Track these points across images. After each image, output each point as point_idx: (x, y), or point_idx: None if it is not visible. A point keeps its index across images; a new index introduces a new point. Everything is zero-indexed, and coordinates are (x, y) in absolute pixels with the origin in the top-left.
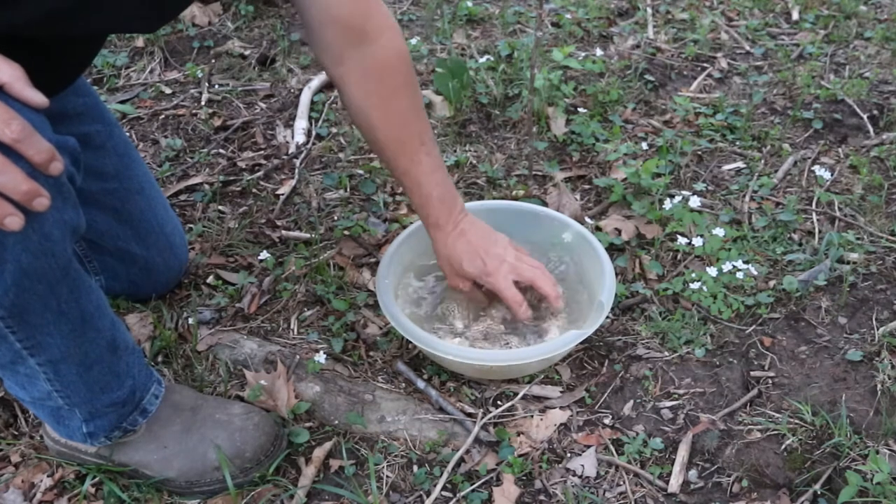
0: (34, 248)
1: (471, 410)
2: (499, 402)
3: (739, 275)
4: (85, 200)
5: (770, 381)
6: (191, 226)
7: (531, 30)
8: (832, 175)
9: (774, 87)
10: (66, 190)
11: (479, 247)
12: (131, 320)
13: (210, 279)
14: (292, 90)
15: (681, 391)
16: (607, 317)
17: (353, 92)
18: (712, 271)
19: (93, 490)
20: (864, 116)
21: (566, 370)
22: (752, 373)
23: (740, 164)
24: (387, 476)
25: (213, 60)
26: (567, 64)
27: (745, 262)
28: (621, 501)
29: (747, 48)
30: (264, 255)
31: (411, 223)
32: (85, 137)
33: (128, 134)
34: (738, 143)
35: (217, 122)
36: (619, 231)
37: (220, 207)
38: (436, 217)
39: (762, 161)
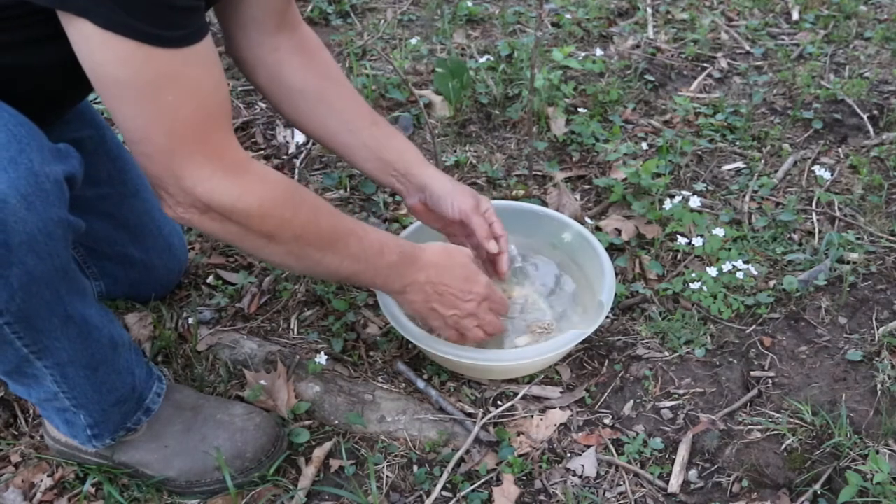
0: (39, 249)
1: (471, 410)
2: (499, 402)
3: (739, 275)
4: (80, 207)
5: (770, 381)
6: None
7: (531, 30)
8: (832, 175)
9: (774, 87)
10: (64, 190)
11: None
12: (131, 320)
13: (210, 279)
14: None
15: (681, 391)
16: (607, 317)
17: (295, 71)
18: (712, 271)
19: (93, 490)
20: (864, 116)
21: (566, 370)
22: (752, 373)
23: (740, 164)
24: (387, 476)
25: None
26: (567, 64)
27: (745, 262)
28: (621, 501)
29: (747, 48)
30: None
31: (411, 223)
32: (76, 143)
33: None
34: (738, 143)
35: None
36: (619, 231)
37: None
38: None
39: (762, 161)
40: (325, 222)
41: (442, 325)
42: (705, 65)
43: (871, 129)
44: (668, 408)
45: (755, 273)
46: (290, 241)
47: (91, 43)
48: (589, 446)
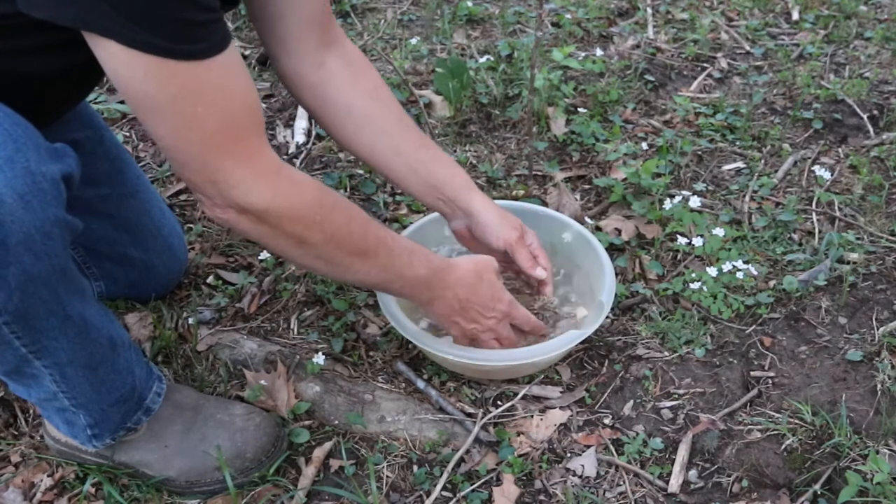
0: (37, 248)
1: (471, 410)
2: (499, 402)
3: (739, 275)
4: (79, 207)
5: (770, 381)
6: (190, 226)
7: (531, 30)
8: (832, 175)
9: (774, 87)
10: (61, 189)
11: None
12: (131, 320)
13: (210, 279)
14: None
15: (681, 391)
16: (607, 317)
17: (340, 89)
18: (712, 271)
19: (93, 490)
20: (864, 116)
21: (566, 370)
22: (752, 373)
23: (740, 164)
24: (387, 476)
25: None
26: (567, 64)
27: (745, 262)
28: (621, 501)
29: (747, 48)
30: (264, 254)
31: (411, 223)
32: (74, 143)
33: (128, 134)
34: (738, 143)
35: None
36: (619, 231)
37: None
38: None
39: (762, 161)
40: (357, 228)
41: (459, 335)
42: (705, 65)
43: (871, 129)
44: (668, 408)
45: (755, 273)
46: (321, 244)
47: (117, 61)
48: (589, 446)
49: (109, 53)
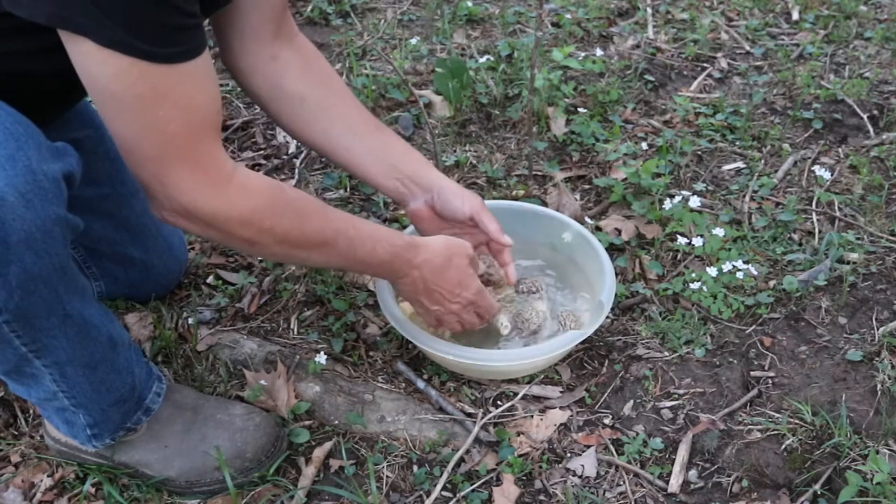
0: (37, 247)
1: (471, 410)
2: (499, 402)
3: (739, 275)
4: (80, 207)
5: (770, 381)
6: None
7: (531, 30)
8: (832, 175)
9: (774, 87)
10: (62, 188)
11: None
12: (131, 320)
13: (210, 279)
14: None
15: (681, 391)
16: (607, 317)
17: (293, 80)
18: (712, 271)
19: (93, 490)
20: (864, 116)
21: (566, 370)
22: (752, 373)
23: (740, 164)
24: (387, 476)
25: (214, 60)
26: (567, 64)
27: (745, 262)
28: (621, 501)
29: (747, 48)
30: None
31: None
32: (74, 142)
33: None
34: (738, 143)
35: None
36: (619, 231)
37: None
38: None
39: (762, 161)
40: (311, 226)
41: (423, 313)
42: (705, 65)
43: (871, 129)
44: (668, 408)
45: (755, 273)
46: (273, 244)
47: (89, 59)
48: (589, 446)
49: (83, 52)
